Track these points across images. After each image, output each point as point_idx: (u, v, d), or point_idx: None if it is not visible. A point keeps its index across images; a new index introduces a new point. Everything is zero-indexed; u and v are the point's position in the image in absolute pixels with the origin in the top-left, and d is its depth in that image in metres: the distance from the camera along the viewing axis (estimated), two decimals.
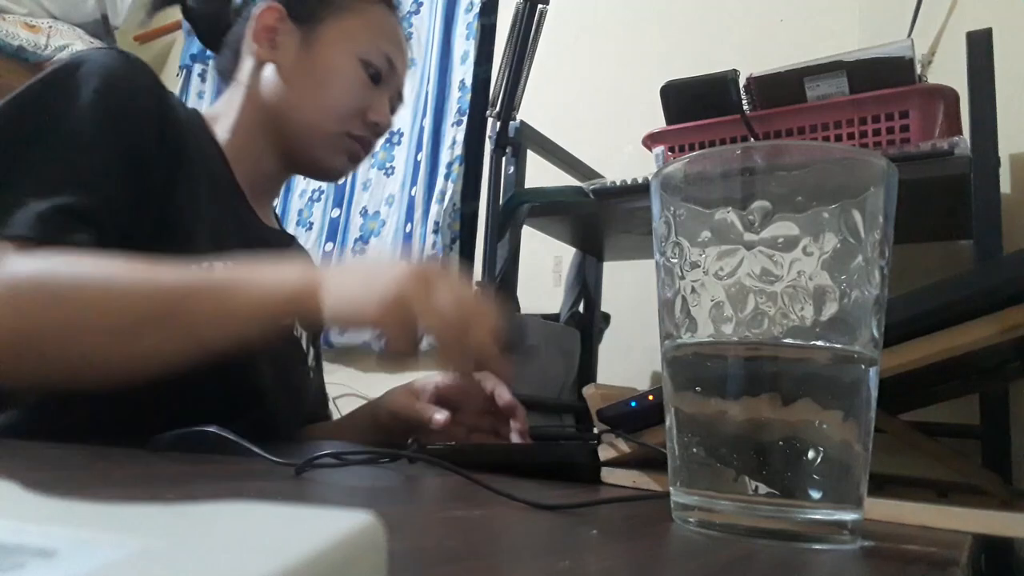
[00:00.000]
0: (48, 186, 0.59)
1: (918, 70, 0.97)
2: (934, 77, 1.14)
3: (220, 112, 0.81)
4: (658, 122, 1.09)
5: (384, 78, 0.82)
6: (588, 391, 0.55)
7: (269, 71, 0.80)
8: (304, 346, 0.83)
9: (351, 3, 0.82)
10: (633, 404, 0.49)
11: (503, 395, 0.75)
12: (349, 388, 1.50)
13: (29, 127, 0.61)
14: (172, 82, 2.82)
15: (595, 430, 0.53)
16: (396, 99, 0.86)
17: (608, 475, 0.51)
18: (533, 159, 1.24)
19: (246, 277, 0.57)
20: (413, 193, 2.00)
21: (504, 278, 1.05)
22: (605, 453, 0.51)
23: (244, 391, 0.71)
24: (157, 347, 0.56)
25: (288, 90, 0.79)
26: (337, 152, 0.82)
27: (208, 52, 2.78)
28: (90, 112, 0.63)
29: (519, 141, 1.10)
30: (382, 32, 0.84)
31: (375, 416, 0.82)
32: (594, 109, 1.73)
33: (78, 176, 0.61)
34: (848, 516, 0.30)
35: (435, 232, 1.89)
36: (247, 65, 0.81)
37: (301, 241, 0.97)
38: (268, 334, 0.58)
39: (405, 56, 0.87)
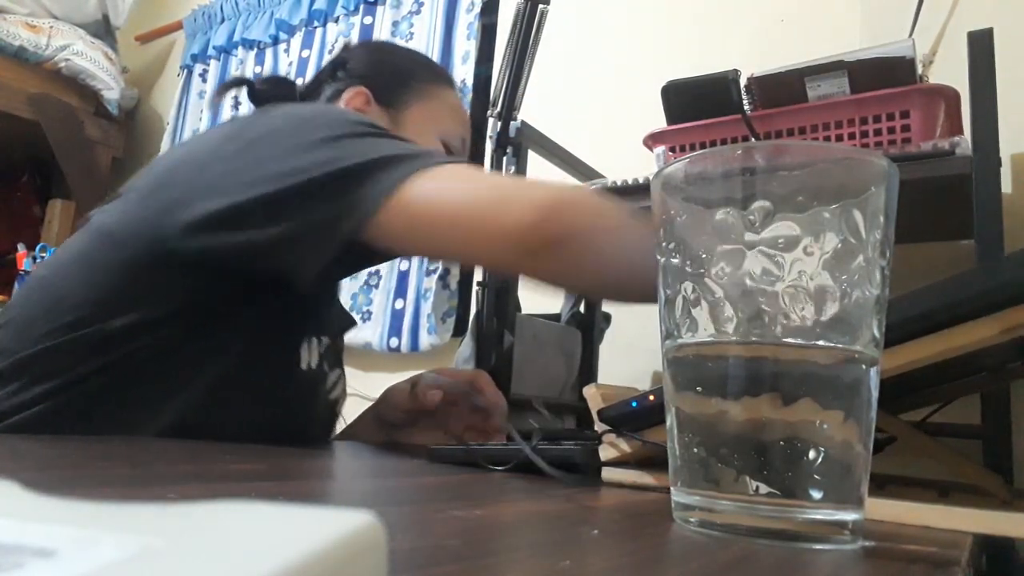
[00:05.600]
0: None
1: (919, 70, 0.97)
2: (935, 77, 1.14)
3: None
4: (659, 122, 1.09)
5: (457, 156, 0.91)
6: (588, 391, 0.55)
7: None
8: (328, 379, 0.87)
9: (430, 88, 0.91)
10: (634, 404, 0.48)
11: (489, 395, 0.83)
12: (350, 388, 1.50)
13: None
14: (173, 82, 2.83)
15: (596, 430, 0.53)
16: None
17: (609, 475, 0.51)
18: (534, 159, 1.24)
19: None
20: None
21: (505, 278, 1.04)
22: (606, 453, 0.51)
23: (282, 414, 0.76)
24: (648, 273, 0.63)
25: None
26: None
27: (209, 52, 2.76)
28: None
29: (520, 141, 1.10)
30: (456, 114, 0.93)
31: (380, 414, 0.90)
32: (595, 109, 1.73)
33: None
34: (849, 516, 0.30)
35: None
36: None
37: None
38: None
39: (469, 133, 0.96)
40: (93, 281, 0.67)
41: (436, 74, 0.95)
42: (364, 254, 0.65)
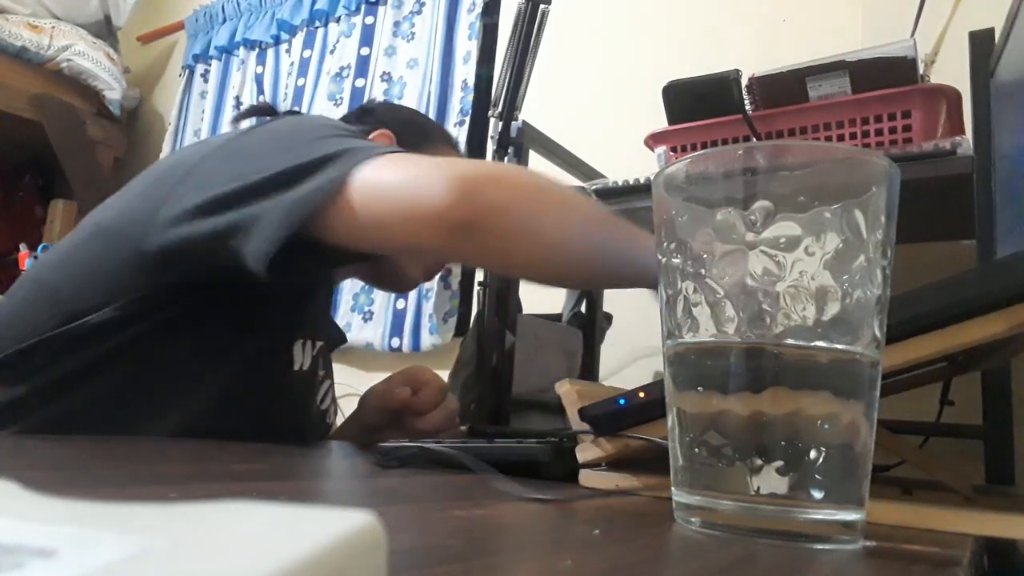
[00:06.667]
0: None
1: (921, 70, 0.97)
2: (937, 77, 1.14)
3: None
4: (660, 122, 1.09)
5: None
6: (562, 388, 0.51)
7: None
8: (321, 386, 0.89)
9: (443, 148, 0.98)
10: (622, 402, 0.46)
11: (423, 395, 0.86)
12: (351, 388, 1.51)
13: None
14: (175, 83, 2.83)
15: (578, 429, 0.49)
16: None
17: (587, 478, 0.48)
18: (535, 159, 1.24)
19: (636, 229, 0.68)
20: None
21: (506, 278, 1.04)
22: (587, 454, 0.48)
23: (278, 416, 0.77)
24: (589, 254, 0.65)
25: None
26: (419, 266, 0.95)
27: (211, 53, 2.77)
28: None
29: (521, 141, 1.09)
30: None
31: (359, 418, 0.91)
32: (596, 109, 1.73)
33: None
34: (851, 516, 0.30)
35: None
36: None
37: None
38: (632, 284, 0.68)
39: None
40: (81, 277, 0.69)
41: (448, 138, 1.03)
42: (316, 250, 0.65)
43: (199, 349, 0.70)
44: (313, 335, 0.81)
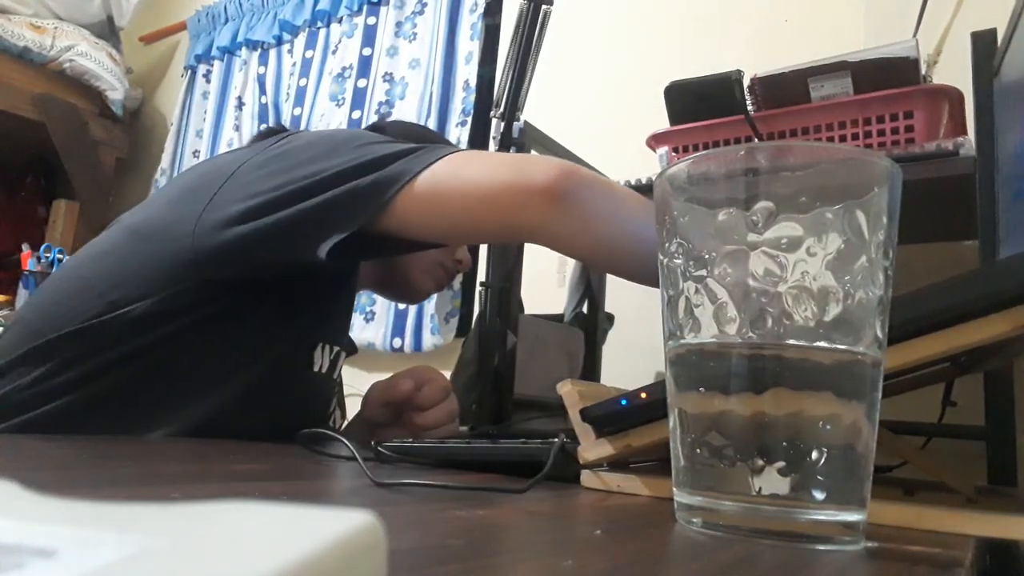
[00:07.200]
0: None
1: (923, 70, 0.97)
2: (939, 77, 1.14)
3: None
4: (662, 123, 1.09)
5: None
6: (563, 388, 0.50)
7: None
8: (332, 386, 0.91)
9: None
10: (624, 402, 0.45)
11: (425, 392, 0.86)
12: (353, 388, 1.51)
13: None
14: (177, 83, 2.83)
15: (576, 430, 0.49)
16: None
17: (588, 479, 0.48)
18: None
19: None
20: None
21: (508, 278, 1.04)
22: (592, 453, 0.48)
23: (297, 416, 0.78)
24: (648, 256, 0.65)
25: None
26: (430, 278, 0.98)
27: (213, 53, 2.77)
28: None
29: (523, 141, 1.10)
30: None
31: (364, 415, 0.91)
32: (598, 109, 1.73)
33: None
34: (852, 517, 0.30)
35: None
36: None
37: None
38: None
39: None
40: (120, 271, 0.71)
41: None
42: (379, 239, 0.68)
43: (232, 345, 0.72)
44: (333, 340, 0.83)
